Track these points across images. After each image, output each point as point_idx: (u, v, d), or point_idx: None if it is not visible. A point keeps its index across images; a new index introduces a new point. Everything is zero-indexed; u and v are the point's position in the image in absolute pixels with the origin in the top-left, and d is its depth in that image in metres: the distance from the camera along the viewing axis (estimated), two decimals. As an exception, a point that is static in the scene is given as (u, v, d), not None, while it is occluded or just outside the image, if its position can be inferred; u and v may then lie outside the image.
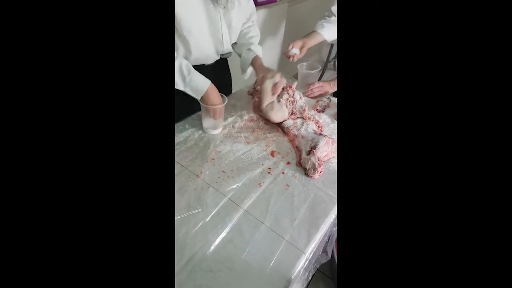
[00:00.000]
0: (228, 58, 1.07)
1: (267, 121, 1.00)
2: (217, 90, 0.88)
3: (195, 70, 0.87)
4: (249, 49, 1.01)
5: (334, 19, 1.12)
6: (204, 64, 0.98)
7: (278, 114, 0.94)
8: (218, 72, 1.06)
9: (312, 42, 1.12)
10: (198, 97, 0.87)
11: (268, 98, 0.92)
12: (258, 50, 1.02)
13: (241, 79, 1.09)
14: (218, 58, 1.01)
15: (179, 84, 0.86)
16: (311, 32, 1.14)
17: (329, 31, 1.12)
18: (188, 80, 0.85)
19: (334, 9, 1.14)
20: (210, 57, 0.97)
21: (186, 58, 0.91)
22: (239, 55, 1.05)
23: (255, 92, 1.10)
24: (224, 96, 0.90)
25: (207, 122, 0.91)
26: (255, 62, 1.00)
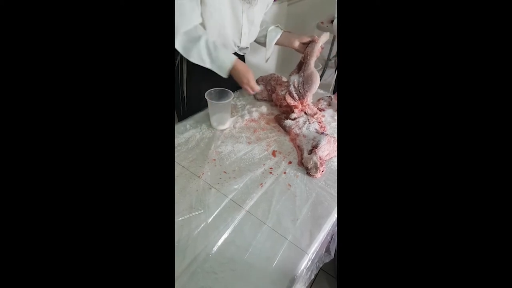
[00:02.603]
0: (244, 55, 1.10)
1: (268, 120, 1.00)
2: (243, 63, 0.88)
3: (220, 46, 0.87)
4: (275, 27, 1.05)
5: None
6: None
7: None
8: None
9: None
10: (224, 75, 0.87)
11: (315, 58, 0.96)
12: (280, 29, 1.05)
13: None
14: (235, 51, 1.02)
15: (205, 61, 0.86)
16: None
17: None
18: (215, 56, 0.85)
19: None
20: (227, 46, 0.98)
21: None
22: (260, 40, 1.07)
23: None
24: (231, 91, 0.89)
25: (215, 119, 0.91)
26: (285, 35, 1.03)
